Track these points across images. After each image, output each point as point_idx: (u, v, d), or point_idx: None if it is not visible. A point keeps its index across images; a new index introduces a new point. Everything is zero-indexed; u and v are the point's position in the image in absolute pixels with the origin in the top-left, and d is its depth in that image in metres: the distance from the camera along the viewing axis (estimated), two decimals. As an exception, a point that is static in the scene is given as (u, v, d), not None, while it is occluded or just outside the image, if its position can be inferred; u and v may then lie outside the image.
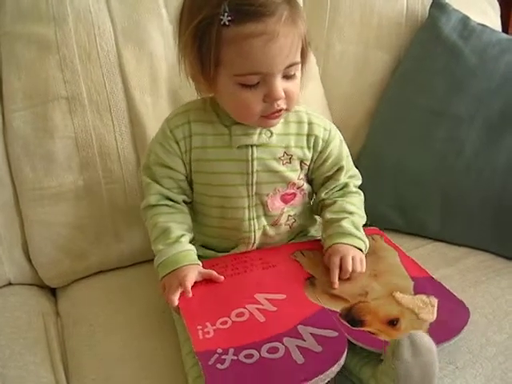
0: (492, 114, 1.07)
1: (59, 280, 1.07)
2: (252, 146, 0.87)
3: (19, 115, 1.01)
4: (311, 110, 0.93)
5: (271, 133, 0.88)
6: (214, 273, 0.86)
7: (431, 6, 1.21)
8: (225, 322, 0.78)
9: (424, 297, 0.82)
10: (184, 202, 0.92)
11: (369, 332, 0.75)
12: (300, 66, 0.83)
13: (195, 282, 0.84)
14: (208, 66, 0.80)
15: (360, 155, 1.19)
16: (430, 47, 1.17)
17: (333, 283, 0.84)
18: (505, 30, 1.35)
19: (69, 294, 1.06)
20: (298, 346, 0.73)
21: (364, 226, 0.95)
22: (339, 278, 0.85)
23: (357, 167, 1.15)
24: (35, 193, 1.02)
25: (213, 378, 0.69)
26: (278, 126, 0.89)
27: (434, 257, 1.03)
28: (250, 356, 0.72)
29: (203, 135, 0.88)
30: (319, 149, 0.92)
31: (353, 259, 0.86)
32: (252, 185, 0.89)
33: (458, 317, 0.79)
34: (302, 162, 0.92)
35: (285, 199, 0.92)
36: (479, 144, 1.06)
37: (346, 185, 0.96)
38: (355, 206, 0.94)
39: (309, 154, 0.91)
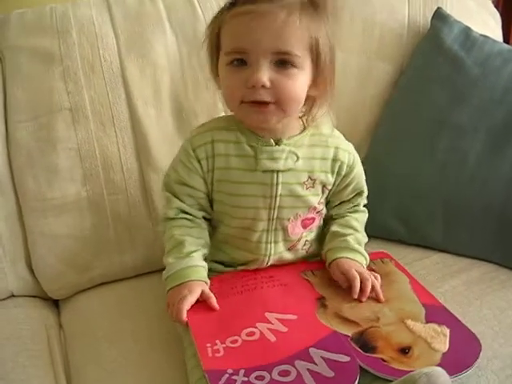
0: (495, 125, 1.07)
1: (62, 292, 1.07)
2: (278, 171, 0.85)
3: (23, 126, 1.01)
4: (337, 132, 0.92)
5: (297, 157, 0.86)
6: (213, 300, 0.82)
7: (433, 17, 1.21)
8: (235, 341, 0.77)
9: (436, 326, 0.81)
10: (204, 217, 0.91)
11: (381, 359, 0.75)
12: (301, 63, 0.79)
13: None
14: (213, 51, 0.83)
15: (363, 166, 1.19)
16: (432, 58, 1.17)
17: (354, 293, 0.84)
18: (506, 40, 1.35)
19: (72, 305, 1.05)
20: (309, 370, 0.72)
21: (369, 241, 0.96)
22: (359, 300, 0.85)
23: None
24: (38, 204, 1.02)
25: None
26: (304, 150, 0.87)
27: (438, 268, 1.03)
28: (261, 378, 0.71)
29: (226, 156, 0.85)
30: (343, 173, 0.90)
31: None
32: (274, 209, 0.87)
33: (470, 349, 0.77)
34: (324, 186, 0.90)
35: (305, 224, 0.91)
36: (482, 154, 1.06)
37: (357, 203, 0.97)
38: (360, 223, 0.95)
39: (332, 179, 0.90)
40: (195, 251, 0.86)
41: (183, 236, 0.86)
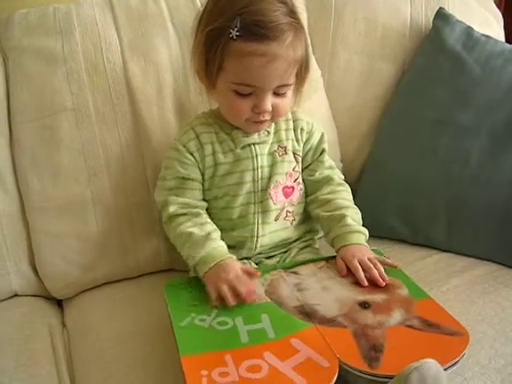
0: (497, 125, 1.07)
1: (66, 291, 1.07)
2: (254, 144, 0.95)
3: (27, 127, 1.02)
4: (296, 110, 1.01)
5: (268, 132, 0.97)
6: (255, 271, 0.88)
7: (435, 17, 1.21)
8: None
9: None
10: (201, 207, 0.96)
11: None
12: (292, 86, 0.92)
13: None
14: (211, 69, 0.89)
15: (365, 166, 1.20)
16: (434, 58, 1.17)
17: (362, 282, 0.87)
18: (508, 40, 1.35)
19: (75, 305, 1.06)
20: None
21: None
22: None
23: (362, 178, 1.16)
24: (42, 204, 1.03)
25: None
26: (271, 126, 0.98)
27: (441, 267, 1.03)
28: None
29: (212, 143, 0.96)
30: (304, 139, 1.00)
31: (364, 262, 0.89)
32: (258, 180, 0.96)
33: None
34: (294, 153, 0.99)
35: (286, 192, 0.98)
36: (485, 154, 1.06)
37: (330, 178, 1.00)
38: (347, 200, 0.99)
39: (298, 147, 0.99)
40: (209, 233, 0.91)
41: (190, 228, 0.91)
